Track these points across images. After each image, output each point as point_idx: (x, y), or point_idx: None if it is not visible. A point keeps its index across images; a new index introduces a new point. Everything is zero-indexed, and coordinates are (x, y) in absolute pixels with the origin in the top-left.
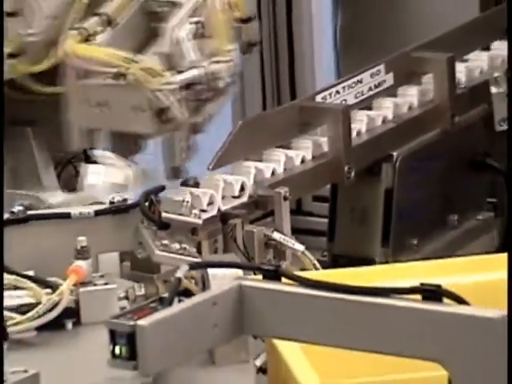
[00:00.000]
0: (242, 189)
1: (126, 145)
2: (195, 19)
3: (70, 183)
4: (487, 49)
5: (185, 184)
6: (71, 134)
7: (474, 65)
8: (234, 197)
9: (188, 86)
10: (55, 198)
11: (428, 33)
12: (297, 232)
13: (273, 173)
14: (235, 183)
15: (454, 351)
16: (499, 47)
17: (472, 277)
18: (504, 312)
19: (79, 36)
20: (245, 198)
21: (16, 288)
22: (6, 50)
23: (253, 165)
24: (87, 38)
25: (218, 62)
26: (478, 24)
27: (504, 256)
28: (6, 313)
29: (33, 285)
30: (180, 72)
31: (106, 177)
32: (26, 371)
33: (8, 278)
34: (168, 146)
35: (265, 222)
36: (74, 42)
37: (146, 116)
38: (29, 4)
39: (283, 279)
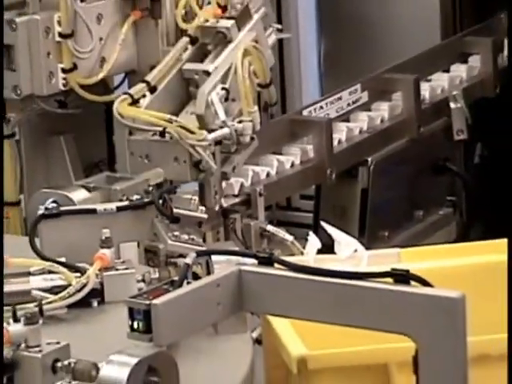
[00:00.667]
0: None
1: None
2: (224, 85)
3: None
4: (447, 71)
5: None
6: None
7: (436, 84)
8: (235, 195)
9: (218, 142)
10: (80, 196)
11: (398, 57)
12: (287, 225)
13: (267, 175)
14: (235, 184)
15: (420, 326)
16: (457, 69)
17: (435, 263)
18: (462, 292)
19: (128, 99)
20: (243, 196)
21: (50, 272)
22: (61, 65)
23: (250, 168)
24: (134, 101)
25: (242, 121)
26: (440, 50)
27: (461, 245)
28: (41, 293)
29: (64, 269)
30: (212, 130)
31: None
32: (58, 343)
33: (43, 264)
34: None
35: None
36: (124, 104)
37: (185, 166)
38: (81, 27)
39: (276, 265)
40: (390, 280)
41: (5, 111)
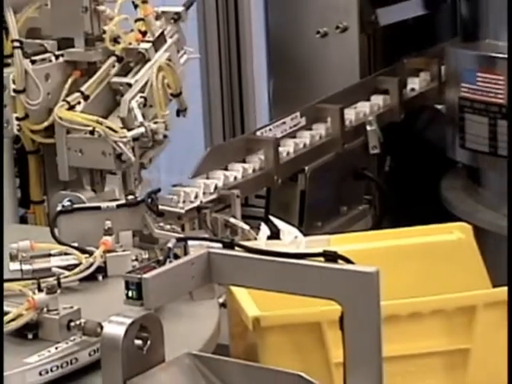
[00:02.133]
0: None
1: (95, 177)
2: (143, 94)
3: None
4: (365, 101)
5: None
6: (61, 170)
7: (356, 112)
8: (211, 193)
9: (136, 139)
10: (88, 196)
11: (328, 91)
12: (245, 217)
13: (235, 178)
14: (211, 184)
15: (345, 293)
16: (373, 100)
17: (356, 246)
18: (377, 267)
19: (66, 105)
20: (214, 196)
21: (66, 254)
22: (16, 115)
23: (222, 173)
24: (71, 107)
25: (156, 122)
26: (359, 86)
27: (375, 232)
28: (59, 270)
29: (76, 252)
30: (131, 129)
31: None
32: (71, 307)
33: (61, 248)
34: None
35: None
36: (62, 109)
37: (110, 158)
38: (31, 83)
39: (236, 248)
40: (322, 259)
41: (2, 113)
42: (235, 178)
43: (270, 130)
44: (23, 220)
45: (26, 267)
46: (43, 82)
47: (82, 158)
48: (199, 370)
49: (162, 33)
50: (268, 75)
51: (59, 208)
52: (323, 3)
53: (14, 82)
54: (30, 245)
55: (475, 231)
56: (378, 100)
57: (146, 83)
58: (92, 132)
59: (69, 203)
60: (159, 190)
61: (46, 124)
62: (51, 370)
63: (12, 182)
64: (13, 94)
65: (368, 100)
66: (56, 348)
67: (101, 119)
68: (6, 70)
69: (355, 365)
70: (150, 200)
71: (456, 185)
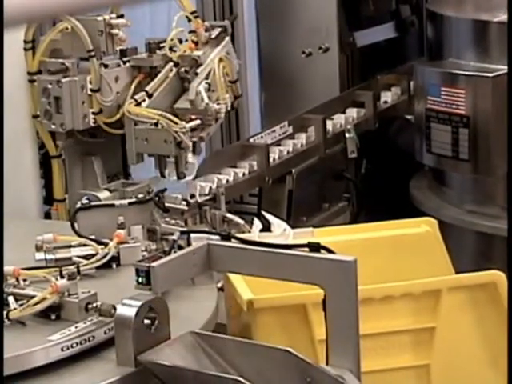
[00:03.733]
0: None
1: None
2: (207, 81)
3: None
4: (344, 112)
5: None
6: (129, 156)
7: (337, 121)
8: (206, 194)
9: (193, 129)
10: (104, 195)
11: (312, 103)
12: (240, 213)
13: (227, 181)
14: (206, 186)
15: (327, 279)
16: (351, 112)
17: (337, 238)
18: (355, 257)
19: (133, 102)
20: (211, 195)
21: (84, 245)
22: (92, 110)
23: (216, 176)
24: (138, 104)
25: (219, 103)
26: (339, 99)
27: (353, 226)
28: (78, 259)
29: (93, 243)
30: (188, 121)
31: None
32: (89, 291)
33: (80, 240)
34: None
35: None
36: (131, 105)
37: (171, 145)
38: (105, 84)
39: (232, 239)
40: (307, 249)
41: (3, 113)
42: (231, 179)
43: (262, 137)
44: (47, 216)
45: (49, 257)
46: (114, 83)
47: (147, 146)
48: (200, 346)
49: (220, 33)
50: (260, 89)
51: (78, 205)
52: (308, 27)
53: (90, 83)
54: (53, 237)
55: (440, 225)
56: (354, 112)
57: (209, 72)
58: (156, 124)
59: (87, 201)
60: (165, 190)
61: (117, 116)
62: (71, 347)
63: (38, 183)
64: (89, 92)
65: (344, 112)
66: (76, 327)
67: (164, 113)
68: (80, 77)
69: (336, 341)
70: (157, 198)
71: (423, 184)
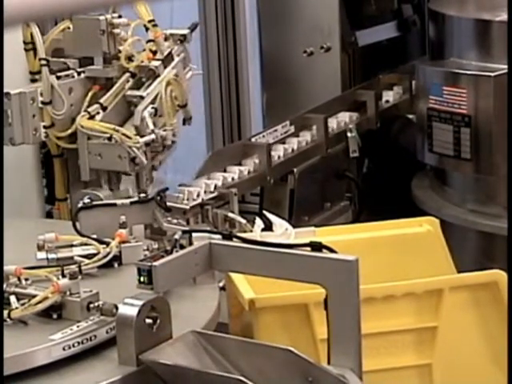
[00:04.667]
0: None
1: (112, 178)
2: (154, 105)
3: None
4: (347, 110)
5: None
6: (82, 171)
7: (339, 120)
8: (211, 192)
9: (148, 144)
10: (105, 194)
11: (314, 102)
12: (242, 212)
13: (232, 179)
14: (211, 184)
15: (329, 278)
16: (353, 111)
17: (338, 237)
18: (357, 256)
19: (87, 115)
20: (215, 194)
21: (86, 244)
22: (44, 123)
23: (221, 174)
24: (91, 117)
25: (165, 130)
26: (340, 98)
27: (355, 225)
28: (80, 258)
29: (95, 243)
30: (143, 136)
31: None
32: (91, 291)
33: (82, 239)
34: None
35: (224, 207)
36: (84, 118)
37: (125, 161)
38: (57, 96)
39: (234, 239)
40: (308, 249)
41: (2, 112)
42: (233, 178)
43: (264, 136)
44: (49, 215)
45: (51, 256)
46: (67, 95)
47: (101, 161)
48: (202, 346)
49: (170, 52)
50: (262, 89)
51: (80, 205)
52: (310, 26)
53: (41, 95)
54: (55, 236)
55: (441, 224)
56: (356, 111)
57: (156, 96)
58: (110, 138)
59: (88, 200)
60: (167, 189)
61: (69, 131)
62: (73, 346)
63: (39, 182)
64: (40, 105)
65: (348, 111)
66: (77, 326)
67: (117, 127)
68: (33, 85)
69: (338, 340)
70: (159, 197)
71: (425, 184)
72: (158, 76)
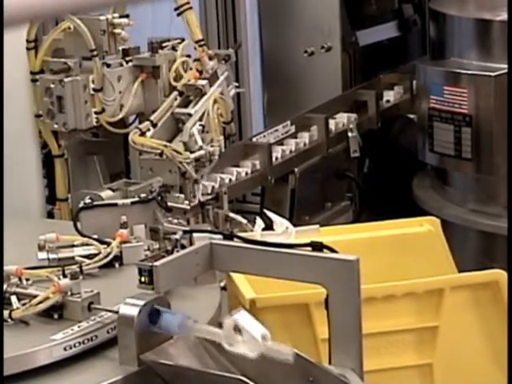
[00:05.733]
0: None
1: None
2: (201, 122)
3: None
4: (347, 112)
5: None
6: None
7: (339, 121)
8: (209, 193)
9: (197, 159)
10: (107, 195)
11: (315, 102)
12: (242, 212)
13: (230, 180)
14: (208, 186)
15: (329, 278)
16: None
17: (339, 237)
18: (357, 256)
19: (138, 132)
20: (214, 194)
21: (87, 245)
22: (94, 109)
23: (218, 176)
24: (142, 133)
25: (212, 146)
26: (341, 98)
27: (356, 225)
28: (81, 258)
29: (96, 243)
30: (192, 152)
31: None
32: (92, 291)
33: (82, 239)
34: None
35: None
36: (136, 135)
37: (175, 175)
38: (107, 84)
39: (235, 239)
40: (309, 248)
41: (2, 112)
42: (235, 178)
43: (264, 136)
44: (50, 215)
45: (52, 256)
46: (116, 82)
47: (152, 175)
48: (203, 346)
49: (215, 72)
50: (262, 89)
51: (81, 205)
52: (310, 26)
53: (93, 82)
54: (56, 237)
55: (442, 224)
56: (357, 111)
57: (203, 113)
58: (161, 154)
59: (89, 200)
60: (168, 189)
61: (120, 116)
62: (74, 346)
63: (40, 182)
64: (92, 92)
65: (349, 111)
66: (78, 326)
67: (168, 143)
68: (83, 76)
69: (338, 340)
70: (159, 197)
71: (426, 184)
72: (204, 94)
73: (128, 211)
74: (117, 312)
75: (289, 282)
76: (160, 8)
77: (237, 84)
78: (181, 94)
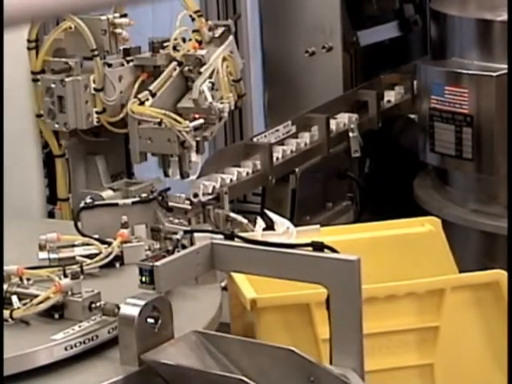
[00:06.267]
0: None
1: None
2: (211, 80)
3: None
4: (348, 112)
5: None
6: (133, 155)
7: (340, 121)
8: (210, 193)
9: (197, 128)
10: (108, 195)
11: (316, 102)
12: (243, 212)
13: (231, 180)
14: (209, 186)
15: (330, 278)
16: (355, 111)
17: (340, 237)
18: (358, 256)
19: (137, 101)
20: (214, 194)
21: (87, 244)
22: (95, 109)
23: (219, 176)
24: (141, 103)
25: (222, 102)
26: (342, 98)
27: (357, 225)
28: (81, 258)
29: (97, 243)
30: (192, 120)
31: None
32: (92, 291)
33: (83, 239)
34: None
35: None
36: (135, 104)
37: (174, 144)
38: (108, 83)
39: (235, 239)
40: (310, 248)
41: (2, 112)
42: (235, 178)
43: (265, 136)
44: (51, 215)
45: (53, 256)
46: (117, 82)
47: (151, 145)
48: (204, 346)
49: (224, 31)
50: (263, 89)
51: (82, 204)
52: (311, 26)
53: (94, 82)
54: (57, 236)
55: (443, 224)
56: (357, 111)
57: (212, 71)
58: (160, 123)
59: (90, 200)
60: (169, 189)
61: (121, 116)
62: (75, 346)
63: (41, 182)
64: (93, 92)
65: (350, 111)
66: (79, 326)
67: (167, 112)
68: (84, 76)
69: (339, 340)
70: (160, 197)
71: (426, 184)
72: (204, 64)
73: (129, 211)
74: (119, 308)
75: (290, 282)
76: (160, 8)
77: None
78: (180, 64)
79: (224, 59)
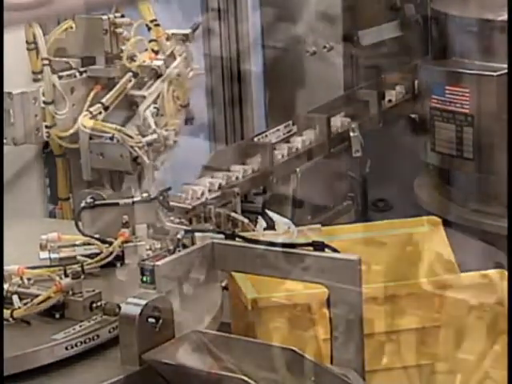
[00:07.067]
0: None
1: (114, 178)
2: (155, 105)
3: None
4: (349, 111)
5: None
6: (84, 171)
7: (342, 120)
8: (216, 190)
9: (150, 144)
10: (108, 194)
11: (317, 102)
12: (244, 212)
13: (236, 178)
14: (215, 182)
15: (331, 278)
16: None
17: (341, 236)
18: (358, 256)
19: (88, 115)
20: (218, 193)
21: (88, 244)
22: (45, 123)
23: (225, 173)
24: (93, 116)
25: (167, 130)
26: (343, 98)
27: (357, 225)
28: (82, 258)
29: (98, 242)
30: (145, 136)
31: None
32: (93, 290)
33: (84, 239)
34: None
35: (226, 207)
36: (86, 118)
37: (127, 160)
38: (58, 96)
39: (236, 238)
40: (311, 248)
41: (2, 111)
42: (237, 177)
43: (267, 136)
44: (52, 215)
45: (53, 256)
46: (69, 94)
47: (103, 161)
48: (205, 345)
49: (172, 52)
50: (265, 88)
51: (83, 204)
52: (312, 26)
53: (43, 95)
54: (58, 236)
55: (444, 224)
56: (358, 110)
57: (158, 95)
58: (111, 138)
59: (91, 200)
60: (170, 189)
61: (71, 131)
62: (76, 345)
63: (42, 182)
64: (43, 105)
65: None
66: (80, 326)
67: (119, 127)
68: (35, 85)
69: (340, 340)
70: (161, 197)
71: (427, 183)
72: (161, 76)
73: (130, 211)
74: (120, 308)
75: (290, 282)
76: None
77: (196, 66)
78: (135, 75)
79: (170, 83)
